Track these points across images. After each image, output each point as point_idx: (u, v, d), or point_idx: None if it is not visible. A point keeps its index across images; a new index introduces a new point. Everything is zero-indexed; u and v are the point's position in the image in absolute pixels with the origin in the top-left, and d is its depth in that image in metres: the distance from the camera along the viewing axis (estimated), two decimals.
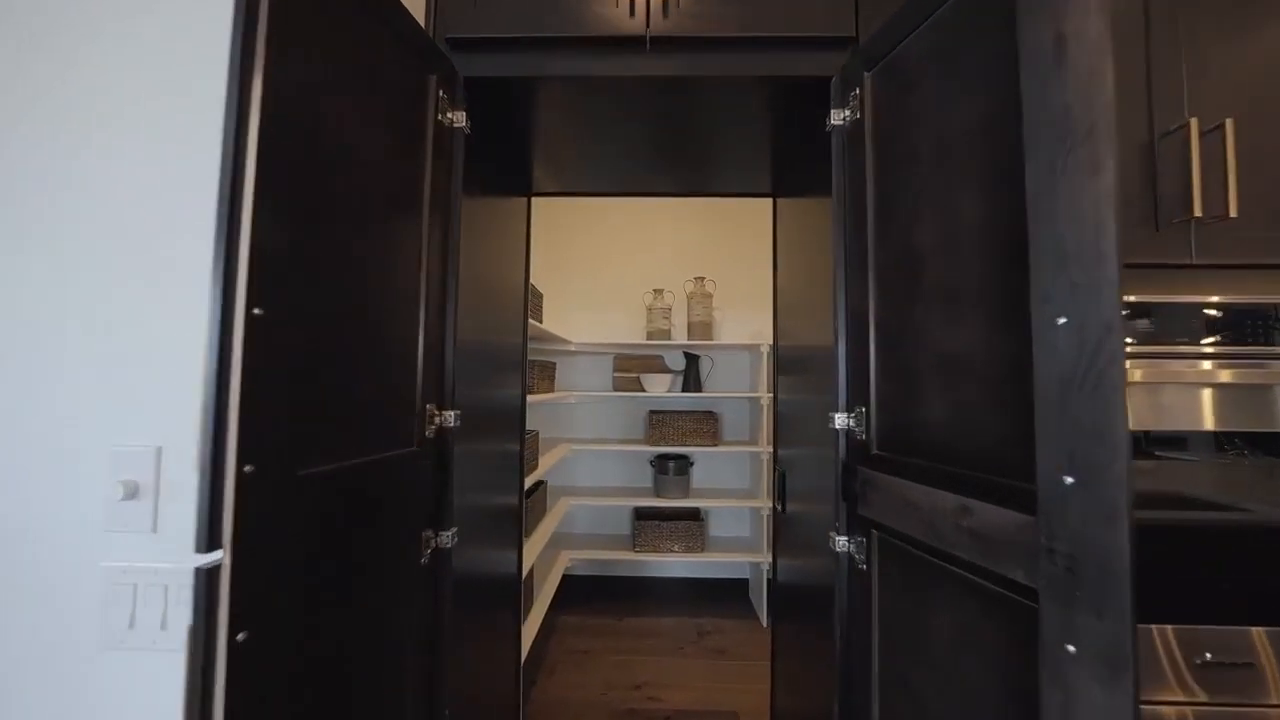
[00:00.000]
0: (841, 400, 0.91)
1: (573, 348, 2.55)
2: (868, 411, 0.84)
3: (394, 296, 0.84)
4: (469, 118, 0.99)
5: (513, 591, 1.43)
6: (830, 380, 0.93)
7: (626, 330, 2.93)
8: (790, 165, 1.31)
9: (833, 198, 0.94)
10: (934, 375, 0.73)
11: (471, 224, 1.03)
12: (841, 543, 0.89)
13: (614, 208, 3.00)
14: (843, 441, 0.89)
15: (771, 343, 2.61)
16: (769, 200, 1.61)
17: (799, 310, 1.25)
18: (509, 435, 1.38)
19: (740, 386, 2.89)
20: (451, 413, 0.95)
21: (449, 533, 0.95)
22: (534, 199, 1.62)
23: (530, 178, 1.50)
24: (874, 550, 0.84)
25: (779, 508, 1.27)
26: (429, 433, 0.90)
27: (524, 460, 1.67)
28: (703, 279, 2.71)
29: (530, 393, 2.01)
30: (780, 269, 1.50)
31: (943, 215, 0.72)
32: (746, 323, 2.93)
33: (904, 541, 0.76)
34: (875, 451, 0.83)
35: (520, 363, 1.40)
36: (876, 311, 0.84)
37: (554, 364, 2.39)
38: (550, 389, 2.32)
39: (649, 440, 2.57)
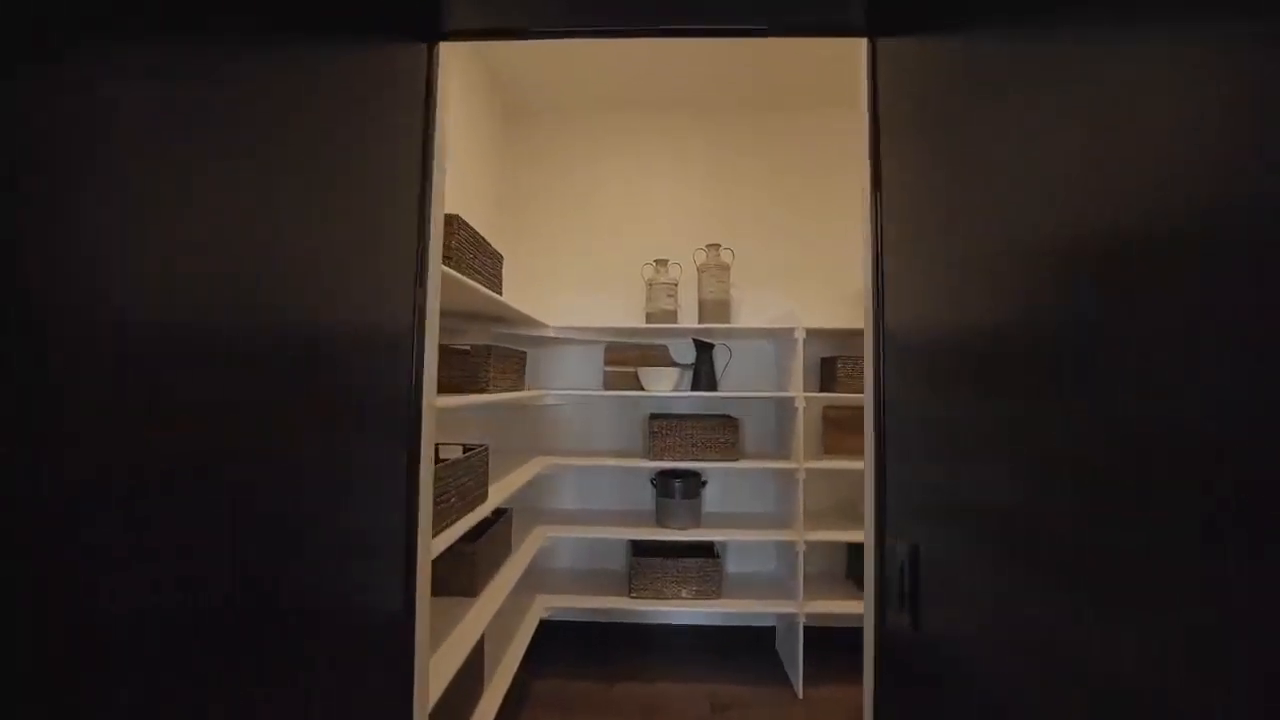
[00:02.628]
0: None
1: (550, 333, 1.97)
2: None
3: None
4: None
5: None
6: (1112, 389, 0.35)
7: (621, 311, 2.34)
8: None
9: None
10: None
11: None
12: None
13: (605, 153, 2.40)
14: None
15: (805, 328, 2.04)
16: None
17: (948, 255, 0.63)
18: (375, 456, 0.76)
19: (765, 383, 2.30)
20: None
21: None
22: (446, 46, 0.83)
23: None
24: None
25: (910, 620, 0.65)
26: None
27: (450, 486, 1.08)
28: (717, 247, 2.12)
29: (482, 389, 1.42)
30: (890, 184, 0.87)
31: None
32: (772, 302, 2.34)
33: None
34: None
35: (410, 344, 0.80)
36: None
37: (522, 354, 1.81)
38: (516, 385, 1.74)
39: (650, 453, 1.98)
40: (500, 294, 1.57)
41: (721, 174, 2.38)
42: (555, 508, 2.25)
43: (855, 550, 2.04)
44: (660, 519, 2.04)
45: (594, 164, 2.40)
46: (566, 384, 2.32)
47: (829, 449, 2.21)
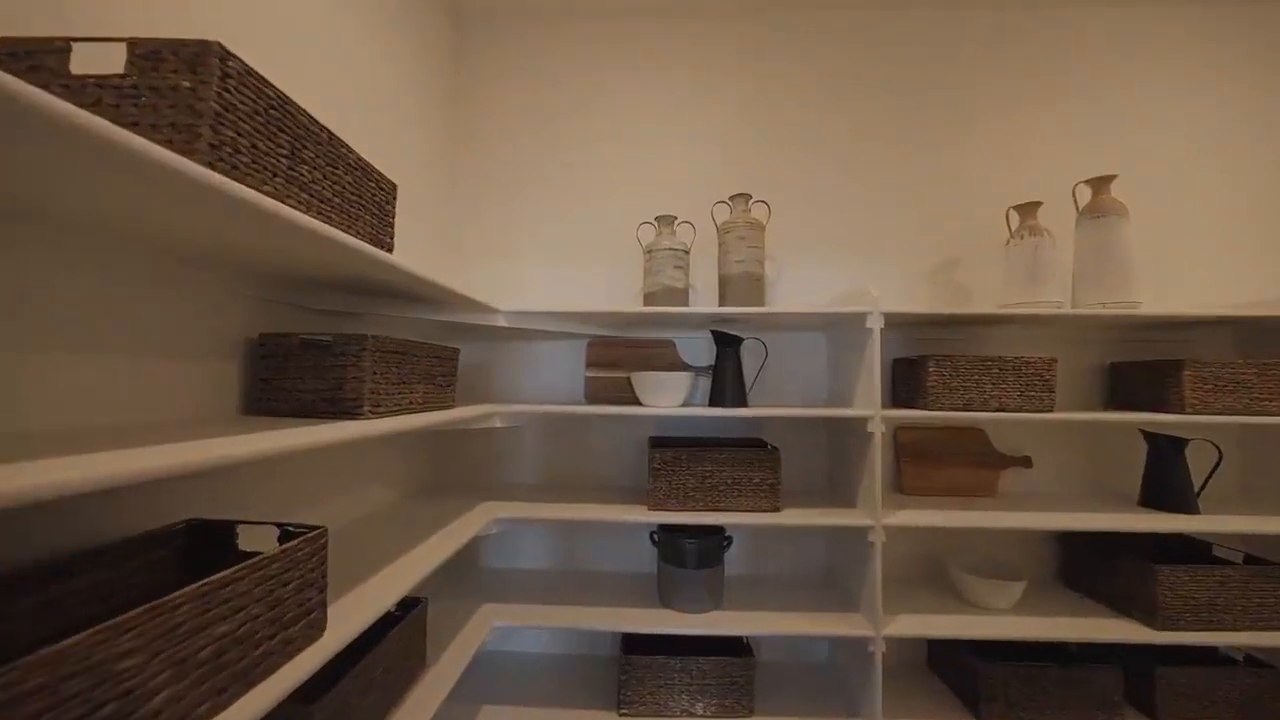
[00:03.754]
0: None
1: (499, 321, 1.32)
2: None
3: None
4: None
5: None
6: None
7: (610, 291, 1.69)
8: None
9: None
10: None
11: None
12: None
13: (595, 71, 1.75)
14: None
15: (883, 312, 1.23)
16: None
17: None
18: None
19: (814, 394, 1.64)
20: None
21: None
22: None
23: None
24: None
25: None
26: None
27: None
28: (747, 198, 1.47)
29: (350, 411, 0.79)
30: None
31: None
32: (821, 279, 1.68)
33: None
34: None
35: None
36: None
37: (449, 353, 1.17)
38: (440, 400, 1.09)
39: (650, 498, 1.33)
40: (388, 248, 0.93)
41: (756, 102, 1.72)
42: (509, 579, 1.60)
43: (950, 656, 1.38)
44: (664, 596, 1.38)
45: (578, 86, 1.75)
46: (528, 395, 1.67)
47: (907, 488, 1.54)
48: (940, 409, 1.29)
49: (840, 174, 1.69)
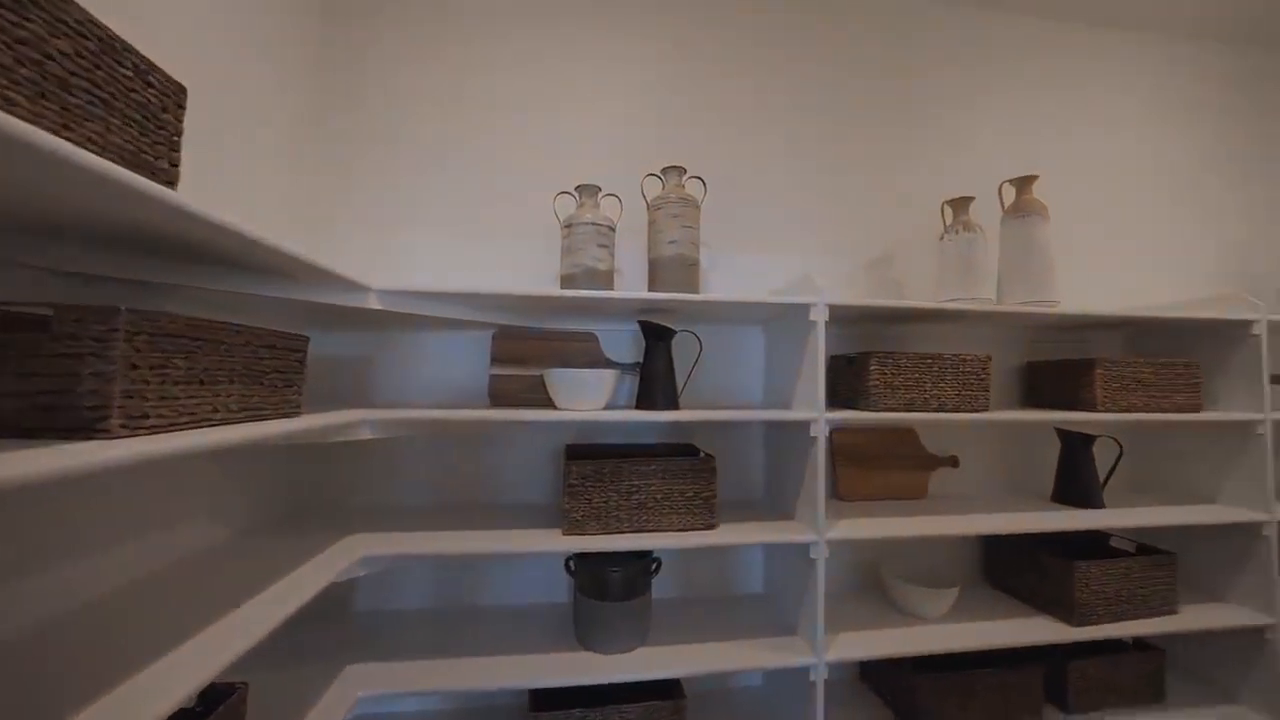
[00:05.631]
0: None
1: (371, 302, 1.02)
2: None
3: None
4: None
5: None
6: None
7: (515, 272, 1.44)
8: None
9: None
10: None
11: None
12: None
13: (499, 17, 1.47)
14: None
15: (828, 303, 1.08)
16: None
17: None
18: None
19: (750, 394, 1.50)
20: None
21: None
22: None
23: None
24: None
25: None
26: None
27: None
28: (680, 171, 1.29)
29: (95, 429, 0.47)
30: None
31: None
32: (760, 267, 1.55)
33: None
34: None
35: None
36: None
37: (296, 341, 0.86)
38: (279, 403, 0.79)
39: (564, 521, 1.10)
40: (164, 179, 0.62)
41: (692, 71, 1.55)
42: (389, 626, 1.29)
43: (885, 670, 1.31)
44: (582, 634, 1.17)
45: (481, 36, 1.47)
46: (422, 398, 1.37)
47: (844, 492, 1.46)
48: (883, 409, 1.20)
49: (777, 160, 1.58)
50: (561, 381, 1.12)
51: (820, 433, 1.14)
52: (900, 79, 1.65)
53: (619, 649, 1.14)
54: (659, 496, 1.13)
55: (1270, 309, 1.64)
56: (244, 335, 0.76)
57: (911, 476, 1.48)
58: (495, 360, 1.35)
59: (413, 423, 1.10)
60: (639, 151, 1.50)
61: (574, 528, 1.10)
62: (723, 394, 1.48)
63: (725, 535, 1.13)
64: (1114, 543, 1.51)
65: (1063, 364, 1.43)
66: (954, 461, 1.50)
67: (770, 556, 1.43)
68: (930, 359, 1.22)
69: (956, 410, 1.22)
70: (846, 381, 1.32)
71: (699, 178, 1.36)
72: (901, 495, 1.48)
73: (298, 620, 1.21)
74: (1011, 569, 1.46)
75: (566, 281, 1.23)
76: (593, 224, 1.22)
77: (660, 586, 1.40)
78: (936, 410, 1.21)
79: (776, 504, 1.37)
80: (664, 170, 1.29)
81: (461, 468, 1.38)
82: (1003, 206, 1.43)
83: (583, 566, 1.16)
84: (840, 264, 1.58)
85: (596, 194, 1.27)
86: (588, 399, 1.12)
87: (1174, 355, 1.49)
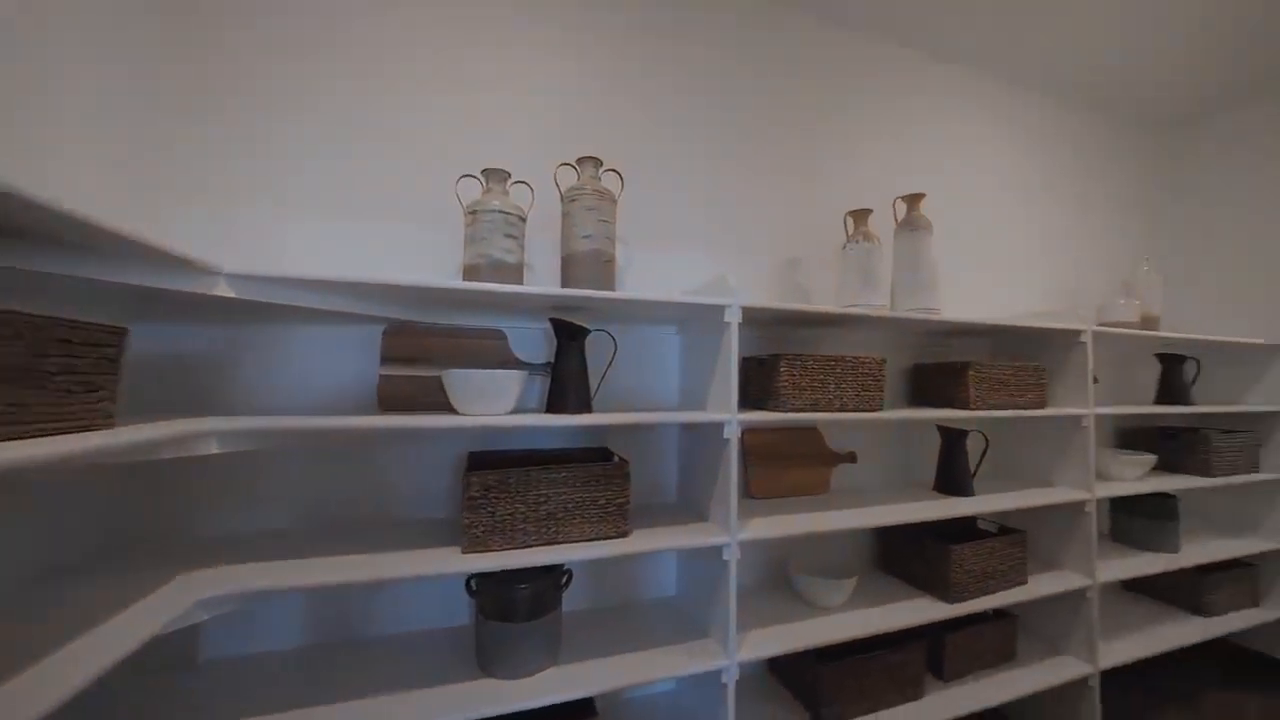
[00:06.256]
0: None
1: (220, 288, 0.84)
2: None
3: None
4: None
5: None
6: None
7: (413, 260, 1.29)
8: None
9: None
10: None
11: None
12: None
13: None
14: None
15: (742, 305, 1.09)
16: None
17: None
18: None
19: (666, 396, 1.48)
20: None
21: None
22: None
23: None
24: None
25: None
26: None
27: None
28: (597, 163, 1.23)
29: None
30: None
31: None
32: (677, 267, 1.54)
33: None
34: None
35: None
36: None
37: (108, 334, 0.67)
38: (78, 417, 0.60)
39: (464, 538, 0.99)
40: None
41: (611, 58, 1.49)
42: (249, 675, 1.09)
43: (791, 660, 1.35)
44: (485, 660, 1.06)
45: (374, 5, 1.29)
46: (294, 403, 1.18)
47: (755, 490, 1.49)
48: (792, 410, 1.23)
49: (696, 160, 1.57)
50: (462, 383, 1.01)
51: (733, 434, 1.14)
52: (812, 94, 1.73)
53: (526, 672, 1.05)
54: (570, 505, 1.07)
55: (1093, 321, 1.93)
56: (13, 326, 0.57)
57: (816, 473, 1.56)
58: (386, 359, 1.19)
59: (279, 433, 0.93)
60: (553, 140, 1.42)
61: (475, 545, 1.00)
62: (638, 396, 1.45)
63: (639, 543, 1.09)
64: (981, 525, 1.70)
65: (943, 366, 1.57)
66: (853, 457, 1.60)
67: (683, 559, 1.42)
68: (834, 361, 1.28)
69: (857, 410, 1.29)
70: (757, 382, 1.35)
71: (616, 171, 1.31)
72: (808, 491, 1.54)
73: (128, 677, 0.98)
74: (900, 555, 1.58)
75: (470, 273, 1.11)
76: (500, 212, 1.12)
77: (571, 599, 1.34)
78: (840, 410, 1.27)
79: (690, 505, 1.36)
80: (579, 160, 1.22)
81: (345, 483, 1.21)
82: (896, 220, 1.55)
83: (486, 586, 1.06)
84: (752, 266, 1.62)
85: (505, 180, 1.17)
86: (492, 402, 1.02)
87: (1026, 359, 1.72)
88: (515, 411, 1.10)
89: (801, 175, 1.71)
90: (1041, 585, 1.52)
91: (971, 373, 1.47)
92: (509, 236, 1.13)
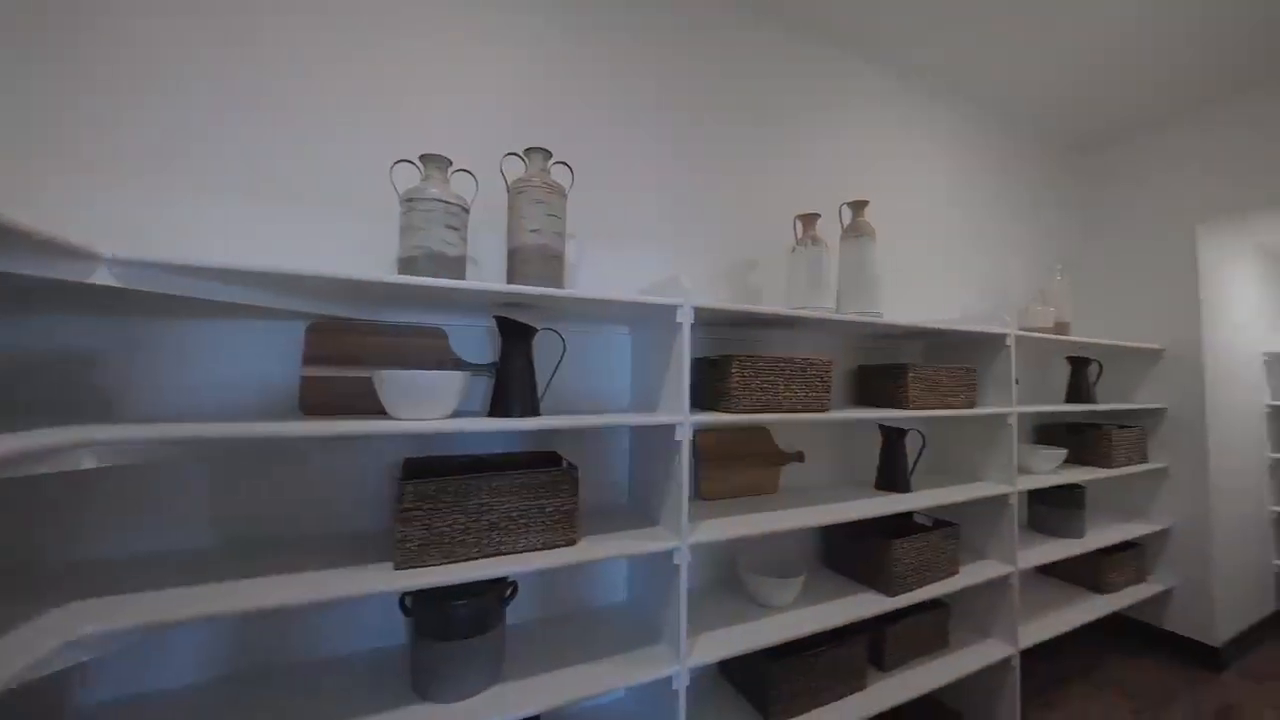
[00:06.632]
0: None
1: (101, 276, 0.73)
2: None
3: None
4: None
5: None
6: None
7: (341, 250, 1.18)
8: None
9: None
10: None
11: None
12: None
13: None
14: None
15: (694, 306, 1.07)
16: None
17: None
18: None
19: (615, 396, 1.44)
20: None
21: None
22: None
23: None
24: None
25: None
26: None
27: None
28: (546, 154, 1.17)
29: None
30: None
31: None
32: (629, 265, 1.51)
33: None
34: None
35: None
36: None
37: None
38: None
39: (397, 553, 0.92)
40: None
41: (562, 48, 1.43)
42: (135, 713, 0.96)
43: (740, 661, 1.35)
44: (421, 683, 0.99)
45: None
46: (202, 406, 1.04)
47: (706, 492, 1.48)
48: (742, 411, 1.23)
49: (649, 159, 1.55)
50: (394, 385, 0.93)
51: (685, 436, 1.13)
52: (760, 96, 1.75)
53: (467, 693, 0.99)
54: (514, 514, 1.01)
55: (1016, 325, 2.06)
56: None
57: (766, 473, 1.57)
58: (310, 359, 1.09)
59: (175, 442, 0.82)
60: (498, 130, 1.35)
61: (409, 559, 0.92)
62: (587, 397, 1.40)
63: (588, 551, 1.05)
64: (917, 519, 1.78)
65: (884, 368, 1.63)
66: (800, 456, 1.63)
67: (634, 563, 1.39)
68: (783, 362, 1.29)
69: (805, 410, 1.31)
70: (709, 383, 1.34)
71: (566, 164, 1.25)
72: (758, 492, 1.56)
73: None
74: (844, 551, 1.63)
75: (406, 265, 1.03)
76: (440, 200, 1.05)
77: (517, 609, 1.28)
78: (789, 410, 1.29)
79: (641, 509, 1.33)
80: (527, 151, 1.16)
81: (268, 496, 1.09)
82: (842, 225, 1.59)
83: (422, 604, 0.98)
84: (703, 267, 1.62)
85: (446, 167, 1.09)
86: (429, 405, 0.95)
87: (958, 362, 1.82)
88: (456, 415, 1.03)
89: (753, 177, 1.72)
90: (971, 574, 1.61)
91: (911, 374, 1.53)
92: (450, 228, 1.05)
